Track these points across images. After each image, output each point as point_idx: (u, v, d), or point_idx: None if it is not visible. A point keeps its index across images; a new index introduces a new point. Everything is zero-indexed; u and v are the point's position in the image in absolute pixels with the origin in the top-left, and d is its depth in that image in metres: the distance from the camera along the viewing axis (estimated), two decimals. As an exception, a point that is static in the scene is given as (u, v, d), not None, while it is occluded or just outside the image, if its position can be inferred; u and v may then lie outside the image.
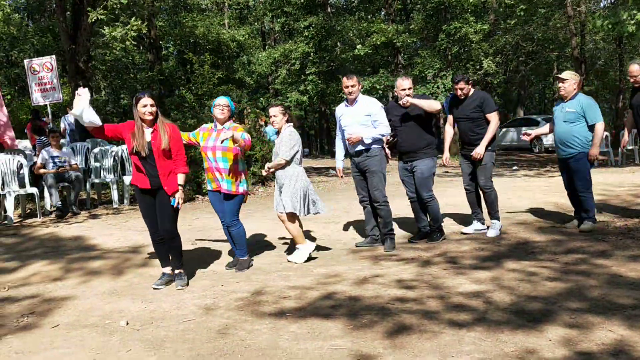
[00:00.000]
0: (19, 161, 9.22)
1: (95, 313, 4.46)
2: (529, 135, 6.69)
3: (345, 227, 7.47)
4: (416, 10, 25.93)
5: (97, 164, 10.15)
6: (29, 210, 9.59)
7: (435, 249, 6.06)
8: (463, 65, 21.35)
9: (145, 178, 4.94)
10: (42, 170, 9.08)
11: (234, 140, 5.27)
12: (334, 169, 11.36)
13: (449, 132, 6.79)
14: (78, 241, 7.22)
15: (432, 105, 6.17)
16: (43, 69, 11.82)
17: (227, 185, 5.42)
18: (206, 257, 6.18)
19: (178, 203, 4.96)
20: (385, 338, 3.59)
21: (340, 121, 6.33)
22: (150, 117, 4.88)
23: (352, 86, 6.06)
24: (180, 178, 4.98)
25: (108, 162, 10.19)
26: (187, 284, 5.13)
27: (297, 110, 29.35)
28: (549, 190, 9.40)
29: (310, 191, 5.80)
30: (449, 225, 7.07)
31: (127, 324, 4.14)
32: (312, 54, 24.65)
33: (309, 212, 5.79)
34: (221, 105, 5.43)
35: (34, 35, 21.90)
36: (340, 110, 6.35)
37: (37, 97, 12.01)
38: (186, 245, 6.63)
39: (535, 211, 7.62)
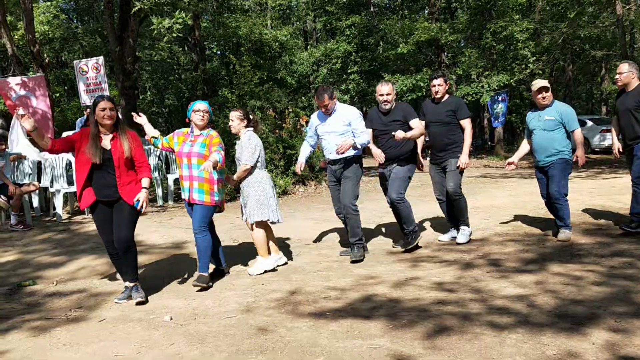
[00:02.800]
0: (67, 159, 9.51)
1: (140, 308, 4.58)
2: (511, 164, 6.49)
3: (386, 228, 7.46)
4: (460, 9, 25.62)
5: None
6: (76, 207, 9.87)
7: (478, 250, 5.99)
8: (508, 65, 20.97)
9: (100, 190, 4.62)
10: None
11: (213, 166, 4.89)
12: (375, 169, 11.28)
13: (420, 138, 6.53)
14: (124, 238, 7.39)
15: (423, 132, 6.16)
16: (91, 69, 12.12)
17: (199, 195, 5.10)
18: (247, 255, 6.25)
19: (142, 207, 4.64)
20: (425, 339, 3.58)
21: (317, 130, 6.10)
22: (109, 122, 4.60)
23: (327, 103, 5.85)
24: (145, 182, 4.75)
25: (152, 161, 10.41)
26: (146, 299, 4.74)
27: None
28: (596, 192, 9.18)
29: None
30: (483, 228, 6.99)
31: (171, 319, 4.24)
32: (353, 53, 24.60)
33: (277, 219, 5.57)
34: (201, 110, 5.18)
35: (83, 37, 22.49)
36: (317, 119, 6.13)
37: (85, 97, 12.33)
38: (228, 243, 6.75)
39: (582, 213, 7.46)
